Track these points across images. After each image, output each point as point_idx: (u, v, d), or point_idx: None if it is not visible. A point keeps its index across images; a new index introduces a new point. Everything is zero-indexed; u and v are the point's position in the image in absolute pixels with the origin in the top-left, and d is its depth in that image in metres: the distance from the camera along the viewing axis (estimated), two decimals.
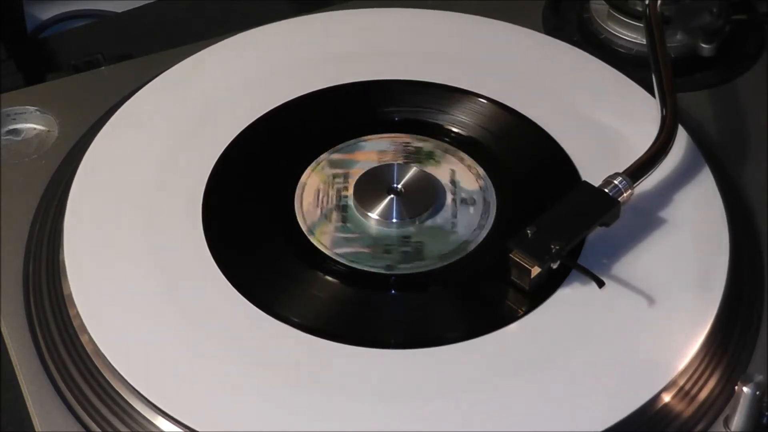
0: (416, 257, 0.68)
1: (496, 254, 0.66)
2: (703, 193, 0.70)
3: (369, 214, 0.70)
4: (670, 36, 0.80)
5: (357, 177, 0.72)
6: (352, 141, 0.75)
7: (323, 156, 0.74)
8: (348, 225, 0.70)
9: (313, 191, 0.72)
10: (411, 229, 0.69)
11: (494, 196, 0.71)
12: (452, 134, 0.75)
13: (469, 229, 0.69)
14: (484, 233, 0.69)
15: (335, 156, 0.74)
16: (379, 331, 0.64)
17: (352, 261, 0.67)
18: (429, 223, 0.70)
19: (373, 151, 0.74)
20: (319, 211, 0.70)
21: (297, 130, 0.75)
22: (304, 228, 0.69)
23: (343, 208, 0.71)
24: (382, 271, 0.67)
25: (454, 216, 0.70)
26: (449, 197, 0.71)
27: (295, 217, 0.70)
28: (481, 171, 0.72)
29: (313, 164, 0.73)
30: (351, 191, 0.71)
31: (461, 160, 0.73)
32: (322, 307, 0.65)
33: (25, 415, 0.63)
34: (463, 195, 0.71)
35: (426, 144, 0.74)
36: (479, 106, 0.76)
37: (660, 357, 0.62)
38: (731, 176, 0.74)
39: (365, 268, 0.67)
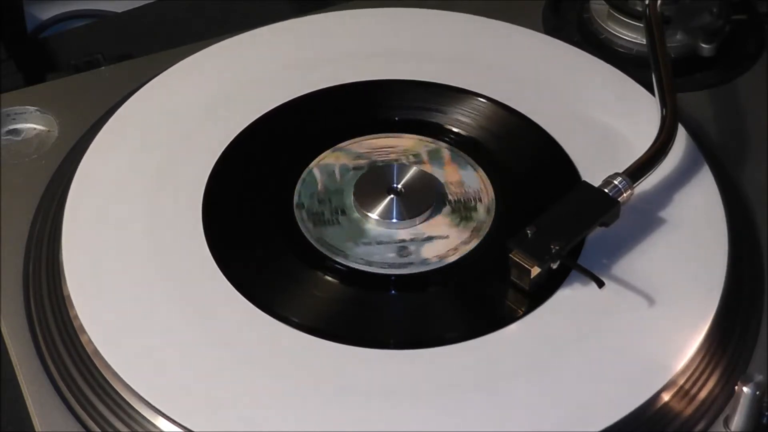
0: (403, 258, 0.68)
1: (496, 254, 0.66)
2: (703, 193, 0.70)
3: (369, 214, 0.70)
4: (670, 36, 0.80)
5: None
6: (374, 135, 0.75)
7: (340, 144, 0.74)
8: (343, 217, 0.70)
9: (321, 178, 0.72)
10: (402, 231, 0.69)
11: (494, 213, 0.70)
12: (452, 134, 0.75)
13: (456, 241, 0.69)
14: (468, 249, 0.68)
15: (352, 147, 0.74)
16: (379, 331, 0.64)
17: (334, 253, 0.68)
18: (419, 227, 0.69)
19: (390, 146, 0.74)
20: (319, 199, 0.71)
21: (297, 130, 0.75)
22: (300, 216, 0.70)
23: (342, 201, 0.71)
24: (364, 268, 0.67)
25: (447, 225, 0.70)
26: (448, 206, 0.71)
27: (295, 217, 0.70)
28: (489, 186, 0.72)
29: (327, 152, 0.74)
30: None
31: (474, 171, 0.73)
32: (322, 307, 0.65)
33: (25, 415, 0.63)
34: (462, 207, 0.70)
35: (441, 150, 0.74)
36: (479, 106, 0.76)
37: (660, 357, 0.62)
38: (731, 176, 0.74)
39: (347, 262, 0.67)
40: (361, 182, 0.71)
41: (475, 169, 0.72)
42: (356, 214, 0.70)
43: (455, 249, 0.68)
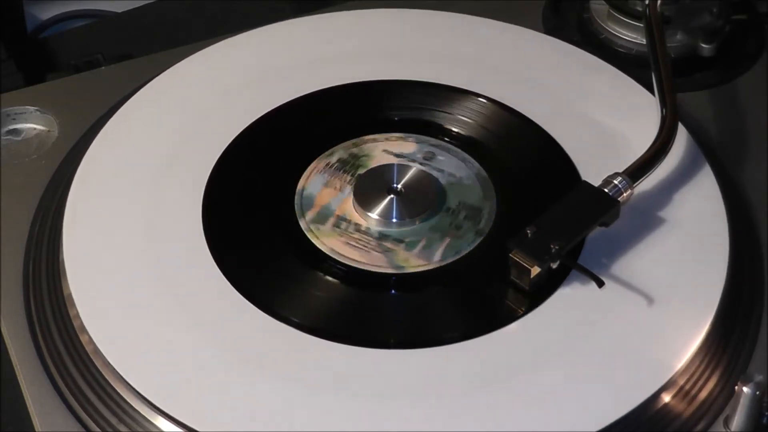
0: (392, 258, 0.67)
1: (497, 254, 0.66)
2: (703, 193, 0.70)
3: (369, 214, 0.70)
4: (670, 36, 0.80)
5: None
6: (378, 135, 0.75)
7: (345, 143, 0.74)
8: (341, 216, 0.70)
9: (322, 175, 0.72)
10: (397, 230, 0.69)
11: (493, 219, 0.70)
12: (452, 134, 0.75)
13: (453, 244, 0.69)
14: (465, 251, 0.68)
15: (356, 147, 0.74)
16: (379, 331, 0.64)
17: (332, 249, 0.68)
18: (418, 228, 0.69)
19: (393, 149, 0.74)
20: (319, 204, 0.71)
21: (297, 130, 0.75)
22: (298, 209, 0.70)
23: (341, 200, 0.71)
24: (353, 265, 0.67)
25: (445, 227, 0.70)
26: (447, 208, 0.71)
27: (296, 218, 0.70)
28: (491, 192, 0.71)
29: (331, 149, 0.74)
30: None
31: (477, 175, 0.72)
32: (322, 307, 0.65)
33: (25, 415, 0.63)
34: (463, 210, 0.70)
35: (446, 153, 0.74)
36: (479, 106, 0.76)
37: (660, 356, 0.62)
38: (731, 176, 0.74)
39: (340, 259, 0.67)
40: (361, 182, 0.71)
41: (483, 186, 0.72)
42: (355, 214, 0.70)
43: (433, 259, 0.68)
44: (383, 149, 0.74)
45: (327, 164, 0.73)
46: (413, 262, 0.67)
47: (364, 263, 0.67)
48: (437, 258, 0.68)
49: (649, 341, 0.62)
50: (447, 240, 0.69)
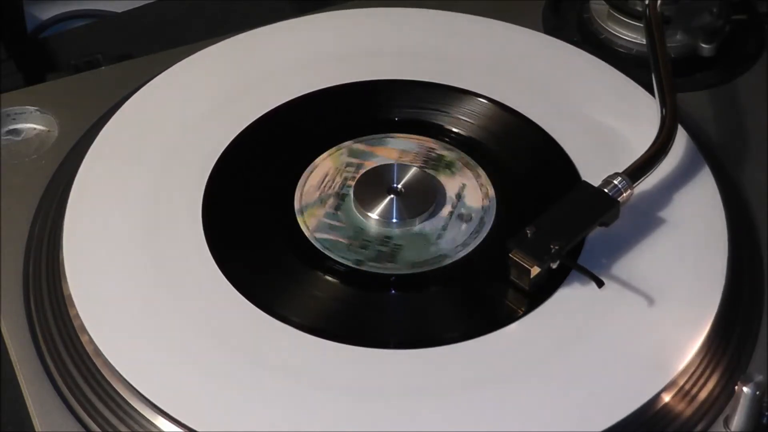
0: (388, 259, 0.68)
1: (497, 254, 0.66)
2: (703, 193, 0.70)
3: (369, 214, 0.70)
4: (670, 36, 0.80)
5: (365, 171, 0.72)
6: (380, 135, 0.75)
7: (346, 143, 0.74)
8: (338, 213, 0.70)
9: (322, 174, 0.72)
10: (396, 231, 0.69)
11: (493, 218, 0.70)
12: (452, 134, 0.75)
13: (452, 245, 0.69)
14: (464, 252, 0.68)
15: (357, 146, 0.74)
16: (379, 331, 0.64)
17: (326, 248, 0.68)
18: (416, 228, 0.69)
19: (395, 149, 0.74)
20: (318, 193, 0.71)
21: (297, 130, 0.75)
22: (297, 205, 0.70)
23: (341, 197, 0.71)
24: (351, 265, 0.67)
25: (444, 228, 0.70)
26: (447, 209, 0.71)
27: (295, 217, 0.70)
28: (491, 192, 0.71)
29: (333, 149, 0.74)
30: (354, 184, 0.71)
31: (477, 176, 0.72)
32: (321, 307, 0.65)
33: (25, 415, 0.63)
34: (463, 210, 0.70)
35: (450, 154, 0.74)
36: (479, 106, 0.76)
37: (660, 357, 0.62)
38: (731, 176, 0.74)
39: (335, 257, 0.67)
40: (361, 182, 0.71)
41: (486, 189, 0.71)
42: (351, 206, 0.70)
43: (431, 259, 0.68)
44: (406, 149, 0.74)
45: (346, 152, 0.73)
46: (413, 262, 0.67)
47: (365, 263, 0.67)
48: (438, 258, 0.68)
49: (649, 341, 0.62)
50: (448, 239, 0.69)
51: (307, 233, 0.69)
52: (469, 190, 0.72)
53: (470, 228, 0.69)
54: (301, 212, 0.70)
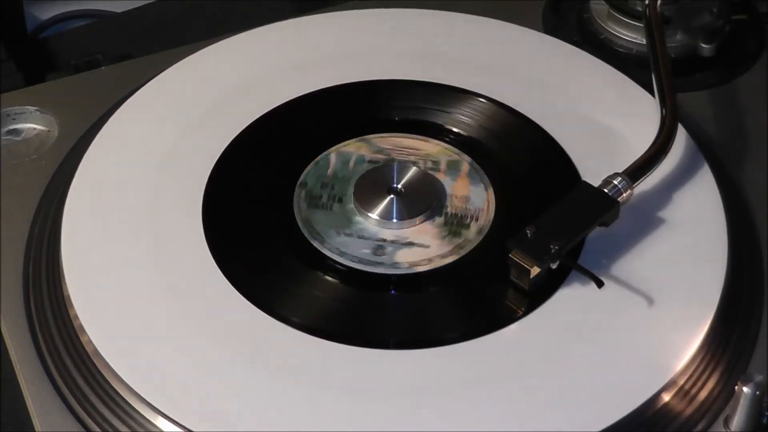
0: (388, 259, 0.68)
1: (497, 254, 0.66)
2: (703, 193, 0.70)
3: (369, 213, 0.70)
4: (670, 36, 0.80)
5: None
6: (380, 135, 0.75)
7: (345, 143, 0.74)
8: (338, 213, 0.70)
9: (322, 174, 0.72)
10: (395, 230, 0.69)
11: (493, 218, 0.70)
12: (452, 134, 0.75)
13: (452, 245, 0.69)
14: (464, 252, 0.68)
15: (357, 145, 0.74)
16: (379, 331, 0.64)
17: (327, 248, 0.68)
18: (416, 228, 0.69)
19: (396, 149, 0.74)
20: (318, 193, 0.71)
21: (297, 130, 0.75)
22: (296, 205, 0.70)
23: (341, 197, 0.71)
24: (350, 264, 0.67)
25: (443, 228, 0.69)
26: (447, 209, 0.70)
27: (295, 217, 0.70)
28: (491, 192, 0.71)
29: (333, 149, 0.74)
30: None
31: (477, 177, 0.72)
32: (322, 307, 0.65)
33: (25, 415, 0.63)
34: (462, 211, 0.70)
35: (450, 154, 0.74)
36: (479, 106, 0.76)
37: (660, 357, 0.62)
38: (731, 176, 0.74)
39: (335, 257, 0.67)
40: (361, 182, 0.71)
41: (486, 189, 0.72)
42: (351, 205, 0.70)
43: (429, 260, 0.68)
44: (406, 149, 0.74)
45: (346, 152, 0.73)
46: (413, 262, 0.67)
47: (363, 263, 0.67)
48: (437, 258, 0.68)
49: (649, 341, 0.62)
50: (447, 240, 0.69)
51: (307, 234, 0.69)
52: (469, 191, 0.72)
53: (471, 228, 0.69)
54: (301, 212, 0.70)
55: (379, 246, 0.68)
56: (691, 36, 0.81)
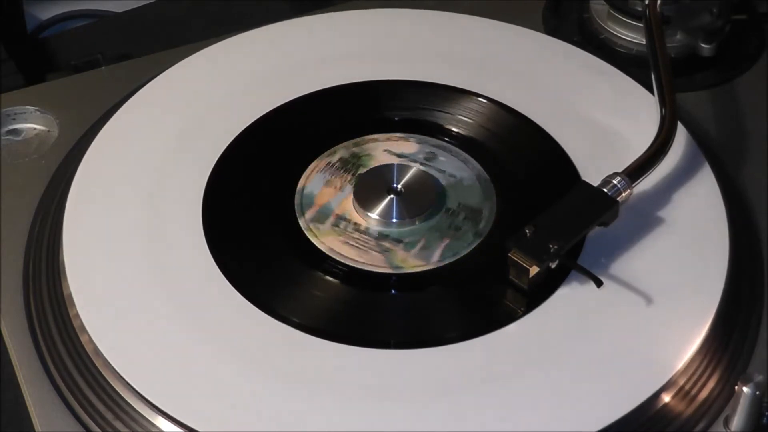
0: (388, 259, 0.67)
1: (496, 254, 0.66)
2: (703, 193, 0.70)
3: (369, 213, 0.70)
4: (670, 36, 0.80)
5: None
6: (380, 135, 0.75)
7: (346, 143, 0.74)
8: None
9: (322, 174, 0.72)
10: (395, 230, 0.69)
11: (493, 218, 0.70)
12: (452, 134, 0.75)
13: (452, 245, 0.69)
14: (464, 252, 0.68)
15: (357, 145, 0.74)
16: (379, 331, 0.64)
17: (327, 248, 0.68)
18: (416, 228, 0.69)
19: (396, 149, 0.74)
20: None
21: (297, 130, 0.75)
22: (297, 205, 0.70)
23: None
24: (350, 264, 0.67)
25: (443, 228, 0.69)
26: (447, 209, 0.70)
27: (295, 217, 0.70)
28: (491, 192, 0.71)
29: (333, 149, 0.74)
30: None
31: (477, 177, 0.72)
32: (322, 307, 0.65)
33: (25, 415, 0.63)
34: (462, 211, 0.70)
35: (450, 154, 0.74)
36: (479, 106, 0.76)
37: (660, 356, 0.62)
38: (731, 176, 0.74)
39: (335, 257, 0.67)
40: (361, 182, 0.71)
41: (486, 189, 0.72)
42: (355, 212, 0.70)
43: (429, 260, 0.68)
44: (384, 149, 0.74)
45: (327, 164, 0.73)
46: (413, 262, 0.68)
47: (363, 263, 0.67)
48: (437, 258, 0.68)
49: (649, 341, 0.62)
50: (447, 240, 0.69)
51: (306, 233, 0.69)
52: (469, 190, 0.72)
53: (470, 228, 0.69)
54: (302, 213, 0.70)
55: (379, 246, 0.68)
56: (691, 36, 0.81)
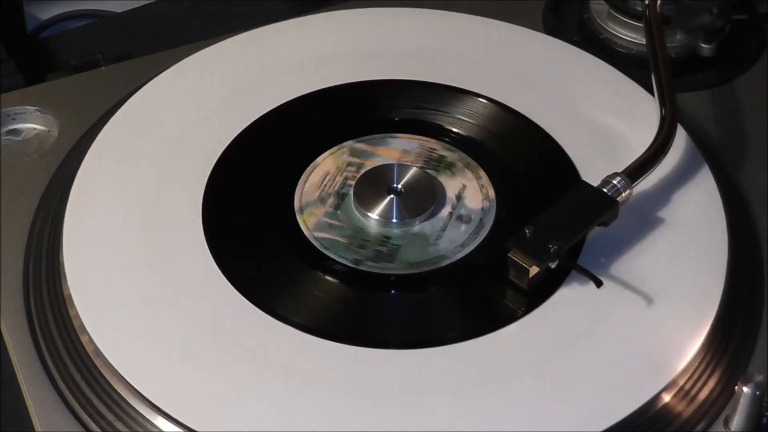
0: (387, 259, 0.67)
1: (497, 255, 0.66)
2: (703, 193, 0.70)
3: (369, 214, 0.70)
4: (670, 36, 0.80)
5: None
6: (380, 135, 0.75)
7: (347, 143, 0.74)
8: (338, 212, 0.70)
9: (322, 173, 0.72)
10: (395, 231, 0.69)
11: (493, 219, 0.70)
12: (452, 134, 0.75)
13: (451, 245, 0.68)
14: (463, 253, 0.68)
15: (359, 145, 0.74)
16: (379, 331, 0.64)
17: (325, 247, 0.68)
18: (416, 229, 0.69)
19: (396, 149, 0.74)
20: (318, 192, 0.71)
21: (297, 130, 0.75)
22: (296, 204, 0.70)
23: (341, 196, 0.71)
24: (349, 264, 0.67)
25: (443, 229, 0.70)
26: (447, 210, 0.71)
27: (295, 217, 0.70)
28: (491, 193, 0.71)
29: (334, 148, 0.74)
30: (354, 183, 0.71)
31: (478, 177, 0.72)
32: (322, 307, 0.65)
33: (25, 415, 0.63)
34: (462, 212, 0.70)
35: (451, 154, 0.74)
36: (479, 106, 0.76)
37: (660, 357, 0.62)
38: (730, 176, 0.74)
39: (333, 256, 0.67)
40: (361, 182, 0.71)
41: (486, 190, 0.71)
42: (350, 206, 0.70)
43: (429, 260, 0.68)
44: (407, 149, 0.74)
45: (347, 151, 0.73)
46: (412, 263, 0.67)
47: (363, 263, 0.67)
48: (437, 258, 0.68)
49: (649, 341, 0.62)
50: (447, 240, 0.69)
51: (306, 232, 0.69)
52: (469, 191, 0.72)
53: (470, 229, 0.69)
54: (301, 211, 0.70)
55: (380, 246, 0.68)
56: (691, 36, 0.81)
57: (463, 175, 0.73)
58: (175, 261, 0.66)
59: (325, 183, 0.72)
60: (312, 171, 0.73)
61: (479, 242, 0.69)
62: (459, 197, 0.71)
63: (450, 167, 0.73)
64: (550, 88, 0.77)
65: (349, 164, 0.73)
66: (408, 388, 0.61)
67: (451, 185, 0.72)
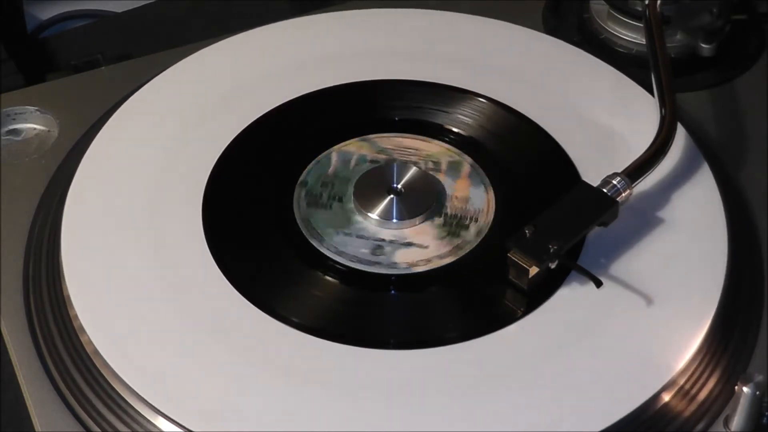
0: (387, 259, 0.67)
1: (496, 255, 0.66)
2: (703, 193, 0.70)
3: (369, 213, 0.70)
4: (670, 36, 0.80)
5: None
6: (380, 135, 0.75)
7: (346, 143, 0.74)
8: (338, 213, 0.70)
9: (322, 174, 0.72)
10: (395, 231, 0.69)
11: (493, 218, 0.70)
12: (452, 134, 0.75)
13: (451, 245, 0.69)
14: (464, 252, 0.68)
15: (358, 145, 0.74)
16: (379, 331, 0.64)
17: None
18: (416, 228, 0.69)
19: (395, 148, 0.74)
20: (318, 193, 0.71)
21: (297, 130, 0.75)
22: (296, 205, 0.70)
23: (341, 197, 0.71)
24: (350, 264, 0.67)
25: (444, 228, 0.70)
26: (447, 209, 0.70)
27: (295, 217, 0.70)
28: (491, 192, 0.71)
29: (333, 149, 0.74)
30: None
31: (477, 177, 0.72)
32: (322, 307, 0.65)
33: (25, 415, 0.63)
34: (462, 211, 0.70)
35: (450, 154, 0.74)
36: (479, 106, 0.76)
37: (660, 356, 0.62)
38: (731, 176, 0.74)
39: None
40: (362, 182, 0.71)
41: (486, 190, 0.72)
42: (351, 204, 0.70)
43: (427, 260, 0.68)
44: (407, 149, 0.74)
45: (347, 151, 0.73)
46: (411, 263, 0.67)
47: (362, 263, 0.67)
48: (435, 258, 0.68)
49: (649, 341, 0.62)
50: (446, 241, 0.69)
51: (306, 233, 0.69)
52: (469, 191, 0.72)
53: (470, 228, 0.69)
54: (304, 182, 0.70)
55: (378, 246, 0.68)
56: (691, 36, 0.81)
57: (463, 174, 0.73)
58: (174, 261, 0.66)
59: (325, 183, 0.72)
60: (312, 169, 0.73)
61: (480, 242, 0.69)
62: (459, 196, 0.71)
63: (450, 167, 0.73)
64: (550, 88, 0.77)
65: (349, 164, 0.73)
66: (408, 388, 0.61)
67: (450, 184, 0.72)
